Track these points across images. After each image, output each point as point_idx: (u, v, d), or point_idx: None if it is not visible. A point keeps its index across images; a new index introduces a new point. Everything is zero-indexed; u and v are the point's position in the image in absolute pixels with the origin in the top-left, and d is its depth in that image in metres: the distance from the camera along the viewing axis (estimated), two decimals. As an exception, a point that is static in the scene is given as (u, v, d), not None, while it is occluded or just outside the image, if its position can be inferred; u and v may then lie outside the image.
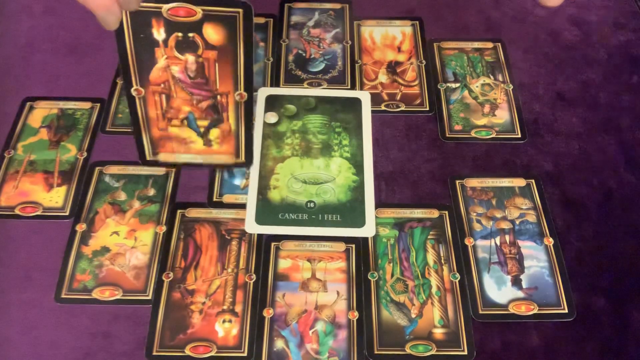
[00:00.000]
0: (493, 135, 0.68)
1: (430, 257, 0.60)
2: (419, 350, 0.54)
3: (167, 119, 0.59)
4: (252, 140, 0.61)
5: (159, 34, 0.53)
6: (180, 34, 0.54)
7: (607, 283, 0.59)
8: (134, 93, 0.57)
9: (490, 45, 0.77)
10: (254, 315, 0.56)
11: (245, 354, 0.54)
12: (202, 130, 0.60)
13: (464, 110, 0.70)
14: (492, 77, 0.73)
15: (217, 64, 0.56)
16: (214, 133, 0.61)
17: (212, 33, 0.54)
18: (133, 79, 0.56)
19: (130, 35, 0.53)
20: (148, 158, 0.62)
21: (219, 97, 0.58)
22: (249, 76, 0.56)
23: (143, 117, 0.59)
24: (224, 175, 0.64)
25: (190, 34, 0.54)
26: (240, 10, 0.52)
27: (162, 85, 0.57)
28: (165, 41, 0.54)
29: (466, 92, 0.72)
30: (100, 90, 0.71)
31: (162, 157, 0.62)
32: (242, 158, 0.62)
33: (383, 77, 0.73)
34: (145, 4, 0.51)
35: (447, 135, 0.68)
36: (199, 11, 0.52)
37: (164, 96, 0.58)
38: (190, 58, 0.55)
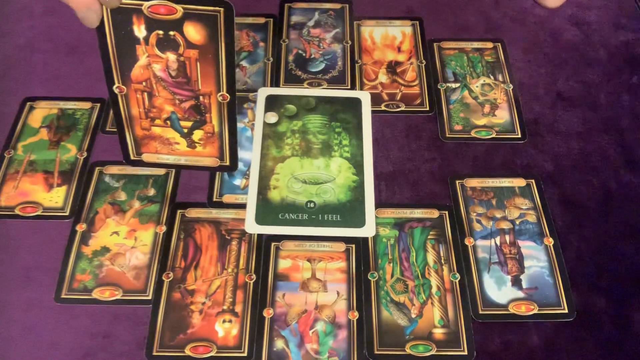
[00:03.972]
0: (493, 135, 0.68)
1: (430, 257, 0.60)
2: (419, 350, 0.54)
3: (150, 119, 0.59)
4: (236, 143, 0.61)
5: (139, 31, 0.53)
6: (161, 32, 0.53)
7: (607, 283, 0.59)
8: (115, 90, 0.57)
9: (490, 45, 0.77)
10: (254, 315, 0.56)
11: (245, 354, 0.54)
12: (185, 131, 0.60)
13: (464, 110, 0.70)
14: (492, 77, 0.73)
15: (198, 64, 0.55)
16: (198, 135, 0.60)
17: (193, 32, 0.53)
18: (115, 76, 0.56)
19: (111, 32, 0.53)
20: (132, 157, 0.62)
21: (201, 97, 0.58)
22: (231, 77, 0.56)
23: (126, 115, 0.59)
24: (223, 175, 0.64)
25: (171, 33, 0.53)
26: (221, 9, 0.52)
27: (144, 84, 0.57)
28: (146, 39, 0.54)
29: (466, 92, 0.72)
30: (100, 90, 0.71)
31: (146, 157, 0.62)
32: (227, 161, 0.62)
33: (383, 77, 0.73)
34: (126, 1, 0.51)
35: (447, 135, 0.68)
36: (179, 9, 0.52)
37: (146, 94, 0.58)
38: (171, 57, 0.55)
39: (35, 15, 0.79)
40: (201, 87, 0.57)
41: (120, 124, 0.59)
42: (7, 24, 0.78)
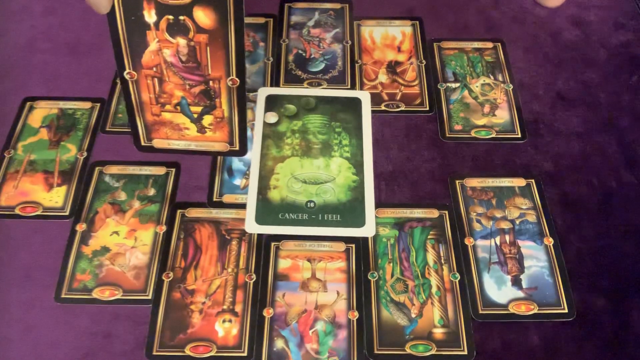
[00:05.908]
0: (493, 135, 0.68)
1: (430, 257, 0.60)
2: (419, 350, 0.54)
3: (161, 104, 0.59)
4: (246, 128, 0.61)
5: (150, 16, 0.53)
6: (171, 17, 0.54)
7: (607, 283, 0.59)
8: (126, 76, 0.57)
9: (490, 45, 0.77)
10: (254, 315, 0.56)
11: (245, 354, 0.54)
12: (195, 116, 0.60)
13: (464, 110, 0.70)
14: (492, 77, 0.73)
15: (208, 48, 0.55)
16: (208, 120, 0.60)
17: (203, 16, 0.53)
18: (126, 62, 0.56)
19: (122, 18, 0.53)
20: (143, 144, 0.62)
21: (211, 82, 0.58)
22: (240, 62, 0.56)
23: (136, 101, 0.59)
24: (224, 175, 0.64)
25: (181, 17, 0.54)
26: None
27: (155, 69, 0.57)
28: (157, 24, 0.54)
29: (466, 92, 0.72)
30: (100, 90, 0.71)
31: (157, 143, 0.62)
32: (237, 146, 0.62)
33: (383, 77, 0.73)
34: None
35: (447, 135, 0.68)
36: None
37: (156, 80, 0.58)
38: (181, 41, 0.55)
39: (35, 15, 0.79)
40: (211, 71, 0.57)
41: (131, 110, 0.60)
42: (7, 24, 0.78)
